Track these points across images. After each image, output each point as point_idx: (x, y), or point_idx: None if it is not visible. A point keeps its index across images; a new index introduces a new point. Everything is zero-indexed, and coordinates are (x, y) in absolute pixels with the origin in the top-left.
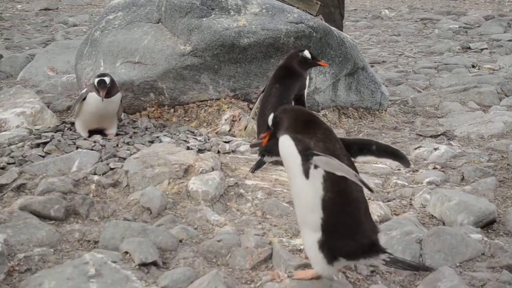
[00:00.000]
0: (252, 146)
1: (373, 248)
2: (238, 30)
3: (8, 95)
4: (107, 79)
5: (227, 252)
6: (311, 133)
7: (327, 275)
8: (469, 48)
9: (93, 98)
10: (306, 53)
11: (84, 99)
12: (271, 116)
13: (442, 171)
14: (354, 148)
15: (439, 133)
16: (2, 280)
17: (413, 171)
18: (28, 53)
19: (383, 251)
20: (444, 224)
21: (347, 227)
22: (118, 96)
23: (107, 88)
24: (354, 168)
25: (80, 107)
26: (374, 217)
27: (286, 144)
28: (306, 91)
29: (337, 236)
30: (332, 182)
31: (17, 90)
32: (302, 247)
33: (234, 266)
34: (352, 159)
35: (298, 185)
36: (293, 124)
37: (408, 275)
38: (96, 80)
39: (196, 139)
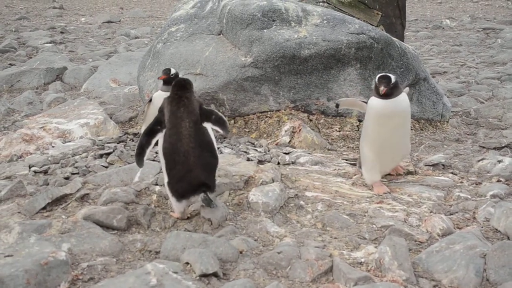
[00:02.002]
0: None
1: (199, 188)
2: (299, 42)
3: (73, 106)
4: (172, 70)
5: (287, 264)
6: (168, 98)
7: (179, 211)
8: None
9: (159, 97)
10: (375, 79)
11: (150, 100)
12: None
13: (506, 184)
14: (203, 116)
15: (503, 145)
16: None
17: (476, 184)
18: (92, 65)
19: (204, 191)
20: (508, 238)
21: (179, 172)
22: None
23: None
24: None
25: (147, 112)
26: (436, 230)
27: None
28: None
29: (175, 179)
30: (167, 136)
31: (81, 101)
32: (363, 260)
33: (294, 278)
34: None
35: None
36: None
37: None
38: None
39: (256, 150)
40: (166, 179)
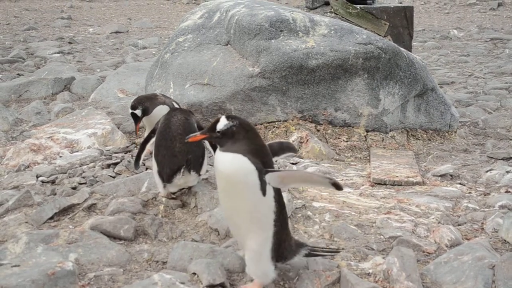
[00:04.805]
0: None
1: (180, 168)
2: (306, 52)
3: (80, 116)
4: (138, 112)
5: (294, 275)
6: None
7: (164, 193)
8: None
9: (160, 109)
10: None
11: (143, 115)
12: None
13: None
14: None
15: (511, 156)
16: None
17: (485, 195)
18: (99, 75)
19: (185, 164)
20: None
21: (165, 157)
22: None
23: (139, 120)
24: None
25: (147, 123)
26: (444, 241)
27: None
28: None
29: (161, 165)
30: (159, 128)
31: (89, 111)
32: (371, 271)
33: None
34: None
35: None
36: None
37: None
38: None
39: None
40: (155, 168)
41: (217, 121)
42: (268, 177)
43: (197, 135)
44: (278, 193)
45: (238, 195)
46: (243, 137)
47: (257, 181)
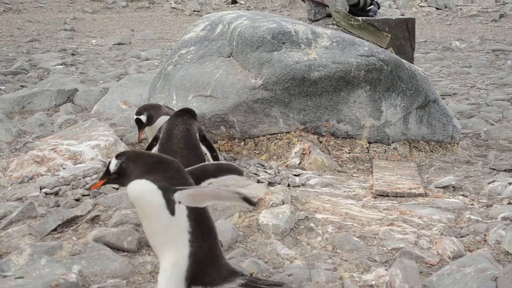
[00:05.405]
0: None
1: None
2: (308, 64)
3: (83, 128)
4: (143, 118)
5: (297, 287)
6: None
7: None
8: None
9: (162, 120)
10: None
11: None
12: None
13: None
14: (202, 137)
15: None
16: None
17: (487, 206)
18: (102, 86)
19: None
20: None
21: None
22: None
23: (143, 126)
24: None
25: (149, 133)
26: (447, 253)
27: None
28: None
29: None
30: (161, 140)
31: (92, 123)
32: (373, 283)
33: None
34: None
35: None
36: None
37: None
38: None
39: (266, 172)
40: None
41: (110, 163)
42: (177, 195)
43: (97, 183)
44: (194, 211)
45: (148, 219)
46: (134, 166)
47: (161, 200)
